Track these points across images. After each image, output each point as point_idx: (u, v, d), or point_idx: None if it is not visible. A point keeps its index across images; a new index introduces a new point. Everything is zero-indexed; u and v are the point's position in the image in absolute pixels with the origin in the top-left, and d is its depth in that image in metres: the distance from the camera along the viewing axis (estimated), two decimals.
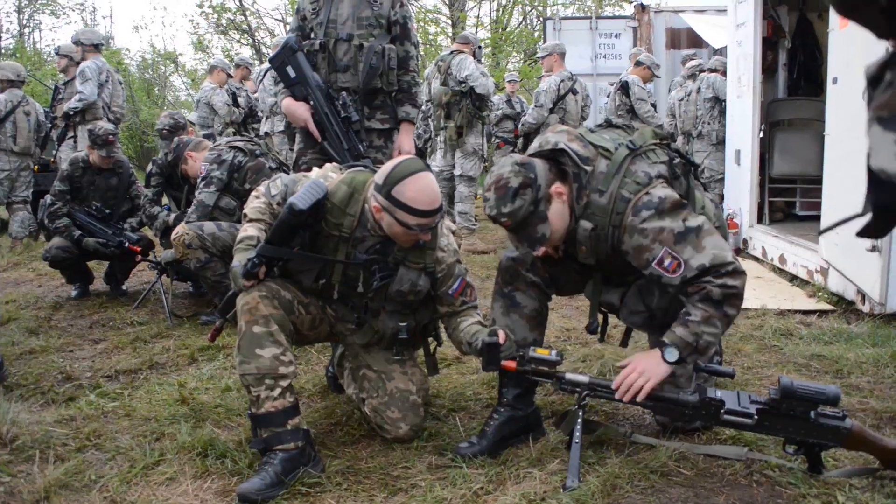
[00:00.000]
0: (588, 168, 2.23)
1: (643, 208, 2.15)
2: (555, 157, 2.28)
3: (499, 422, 2.42)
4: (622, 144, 2.26)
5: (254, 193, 2.50)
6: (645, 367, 2.16)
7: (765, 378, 3.02)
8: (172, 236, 3.97)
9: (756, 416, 2.13)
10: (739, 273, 2.13)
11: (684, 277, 2.12)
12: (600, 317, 2.55)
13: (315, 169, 2.53)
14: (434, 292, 2.49)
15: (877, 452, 2.12)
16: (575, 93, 6.96)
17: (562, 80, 6.95)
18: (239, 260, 2.29)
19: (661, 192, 2.18)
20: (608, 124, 2.43)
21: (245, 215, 2.45)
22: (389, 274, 2.40)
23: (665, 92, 9.39)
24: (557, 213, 2.23)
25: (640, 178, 2.19)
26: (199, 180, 4.13)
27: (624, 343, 2.70)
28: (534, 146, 2.34)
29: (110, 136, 4.71)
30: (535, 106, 7.04)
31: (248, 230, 2.37)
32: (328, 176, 2.44)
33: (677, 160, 2.30)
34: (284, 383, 2.24)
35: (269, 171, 4.15)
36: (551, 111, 6.92)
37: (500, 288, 2.55)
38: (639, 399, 2.17)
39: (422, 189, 2.23)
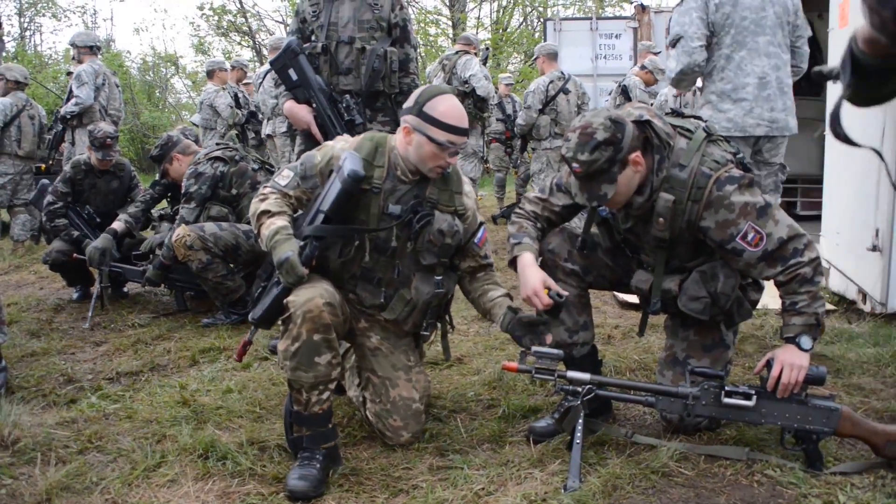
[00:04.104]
0: (669, 143, 2.28)
1: (727, 182, 2.22)
2: (641, 128, 2.30)
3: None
4: (699, 127, 2.34)
5: (257, 197, 2.43)
6: (792, 361, 2.20)
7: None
8: (173, 238, 3.97)
9: (755, 396, 2.21)
10: (812, 243, 2.24)
11: (765, 250, 2.19)
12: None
13: (326, 143, 2.52)
14: (463, 242, 2.52)
15: (868, 436, 2.18)
16: (567, 92, 6.95)
17: (550, 81, 6.94)
18: (287, 249, 2.20)
19: (739, 171, 2.26)
20: (676, 113, 2.49)
21: (261, 215, 2.34)
22: (427, 214, 2.39)
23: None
24: (627, 180, 2.25)
25: (718, 158, 2.27)
26: (181, 195, 4.20)
27: (640, 332, 2.71)
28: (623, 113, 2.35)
29: (108, 140, 4.70)
30: (524, 108, 7.09)
31: (277, 221, 2.29)
32: (337, 142, 2.48)
33: (741, 155, 2.38)
34: (332, 386, 2.30)
35: (253, 171, 4.23)
36: (542, 112, 6.92)
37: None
38: (797, 389, 2.22)
39: (452, 106, 2.32)
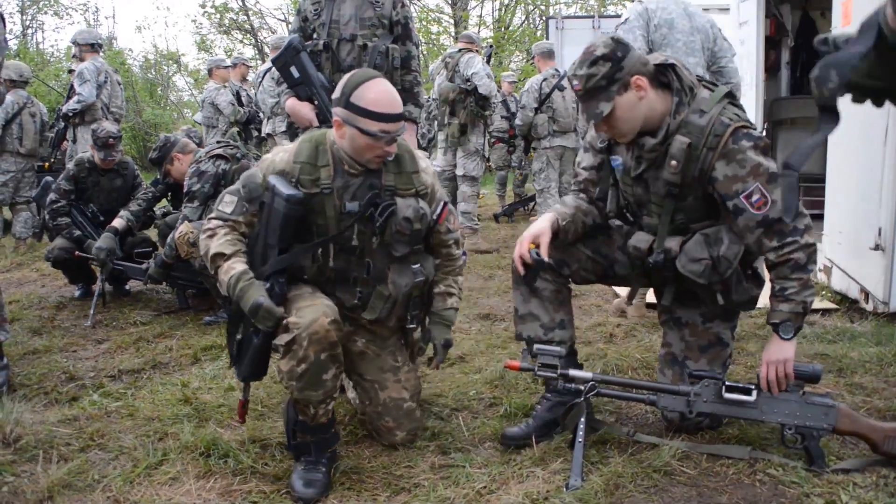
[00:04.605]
0: (692, 89, 2.28)
1: (744, 138, 2.21)
2: (661, 71, 2.32)
3: (546, 407, 2.46)
4: (724, 87, 2.33)
5: (204, 232, 2.28)
6: (776, 357, 2.23)
7: None
8: (176, 235, 3.97)
9: (755, 390, 2.23)
10: (811, 227, 2.22)
11: (766, 216, 2.17)
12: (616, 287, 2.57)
13: (265, 158, 2.38)
14: (432, 223, 2.43)
15: (866, 433, 2.19)
16: (562, 89, 6.94)
17: (544, 79, 6.94)
18: (256, 296, 2.10)
19: (757, 132, 2.24)
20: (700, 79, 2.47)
21: (215, 257, 2.21)
22: (389, 205, 2.27)
23: None
24: (628, 104, 2.25)
25: (739, 113, 2.26)
26: (183, 194, 4.20)
27: (630, 298, 2.72)
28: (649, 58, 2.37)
29: (111, 139, 4.69)
30: (520, 107, 7.11)
31: (235, 266, 2.17)
32: (276, 155, 2.33)
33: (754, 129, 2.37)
34: (336, 395, 2.29)
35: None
36: (538, 110, 6.91)
37: (517, 280, 2.58)
38: (789, 383, 2.23)
39: (381, 92, 2.18)
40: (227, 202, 2.29)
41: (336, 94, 2.22)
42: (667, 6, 3.84)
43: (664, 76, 2.31)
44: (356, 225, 2.29)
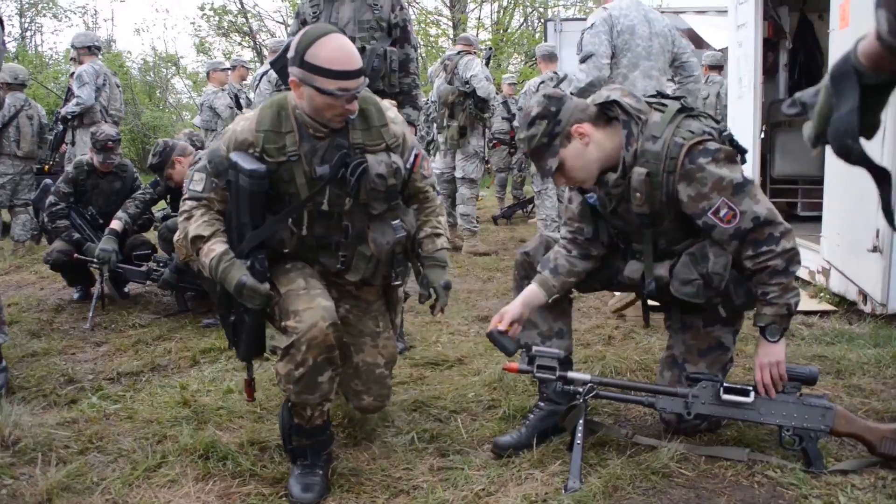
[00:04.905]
0: (641, 117, 2.27)
1: (700, 155, 2.18)
2: (605, 108, 2.33)
3: (539, 416, 2.46)
4: (676, 102, 2.32)
5: (180, 217, 2.28)
6: (767, 359, 2.23)
7: None
8: (177, 237, 3.96)
9: (752, 391, 2.23)
10: (790, 231, 2.18)
11: (738, 228, 2.15)
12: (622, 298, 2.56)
13: (227, 129, 2.31)
14: (407, 176, 2.37)
15: (863, 434, 2.20)
16: None
17: (541, 82, 6.94)
18: (239, 275, 2.11)
19: (715, 144, 2.21)
20: (661, 95, 2.47)
21: (195, 240, 2.20)
22: (361, 162, 2.19)
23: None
24: (575, 152, 2.28)
25: (693, 129, 2.23)
26: (182, 201, 4.18)
27: (645, 322, 2.72)
28: (588, 101, 2.40)
29: (110, 143, 4.69)
30: (518, 109, 7.14)
31: (215, 248, 2.16)
32: (237, 125, 2.25)
33: (727, 133, 2.33)
34: (332, 397, 2.27)
35: None
36: None
37: (518, 283, 2.62)
38: (782, 384, 2.24)
39: (337, 48, 2.07)
40: (196, 180, 2.24)
41: (290, 53, 2.12)
42: (628, 13, 4.14)
43: (611, 111, 2.32)
44: (329, 189, 2.21)
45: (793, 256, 2.17)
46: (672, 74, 4.50)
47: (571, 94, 4.08)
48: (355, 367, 2.44)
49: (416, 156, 2.38)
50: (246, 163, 2.13)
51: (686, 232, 2.32)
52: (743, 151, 2.37)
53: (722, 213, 2.16)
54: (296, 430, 2.26)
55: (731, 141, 2.34)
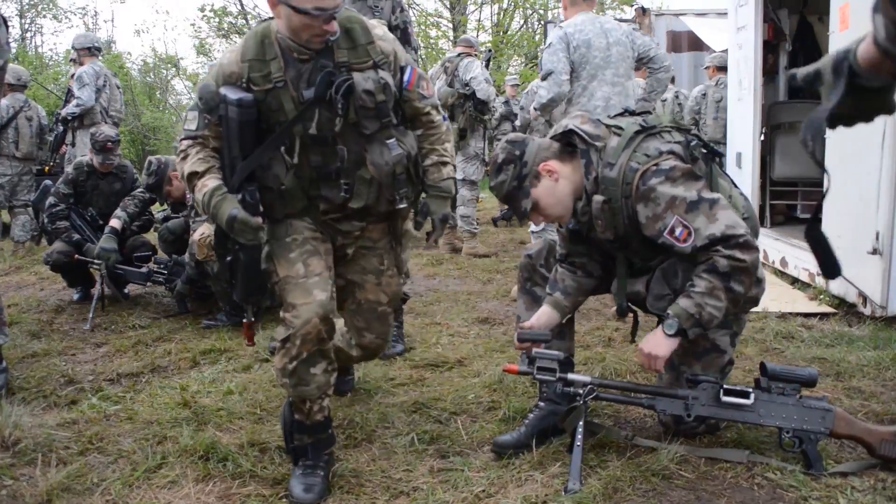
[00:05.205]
0: (598, 144, 2.29)
1: (653, 176, 2.19)
2: (566, 138, 2.37)
3: (539, 416, 2.47)
4: (635, 123, 2.32)
5: (178, 158, 2.25)
6: (648, 349, 2.23)
7: None
8: (197, 237, 3.96)
9: (753, 394, 2.23)
10: (750, 247, 2.12)
11: (694, 247, 2.13)
12: (621, 314, 2.56)
13: (214, 63, 2.33)
14: (399, 94, 2.29)
15: (863, 436, 2.20)
16: None
17: None
18: (230, 208, 2.09)
19: (671, 163, 2.21)
20: (628, 112, 2.49)
21: (190, 176, 2.19)
22: (347, 79, 2.14)
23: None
24: (548, 191, 2.33)
25: (650, 152, 2.23)
26: (189, 208, 4.25)
27: (632, 338, 2.71)
28: (550, 133, 2.45)
29: (109, 143, 4.70)
30: (519, 108, 7.17)
31: (208, 183, 2.14)
32: (223, 58, 2.24)
33: (696, 143, 2.31)
34: (331, 391, 2.29)
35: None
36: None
37: (522, 285, 2.67)
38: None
39: None
40: (190, 119, 2.23)
41: None
42: (583, 28, 4.38)
43: (571, 142, 2.34)
44: (318, 111, 2.17)
45: (739, 269, 2.10)
46: (648, 73, 4.77)
47: (535, 109, 4.41)
48: (358, 305, 2.44)
49: (411, 73, 2.30)
50: (233, 93, 2.12)
51: (654, 250, 2.32)
52: (718, 155, 2.37)
53: (677, 232, 2.15)
54: (297, 427, 2.27)
55: (706, 147, 2.33)
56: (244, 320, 2.42)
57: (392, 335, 2.54)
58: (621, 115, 2.50)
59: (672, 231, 2.15)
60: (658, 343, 2.22)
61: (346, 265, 2.43)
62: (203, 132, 2.21)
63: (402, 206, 2.33)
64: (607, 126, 2.34)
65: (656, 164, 2.20)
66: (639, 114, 2.46)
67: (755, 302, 2.43)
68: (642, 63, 4.57)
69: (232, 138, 2.14)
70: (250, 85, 2.15)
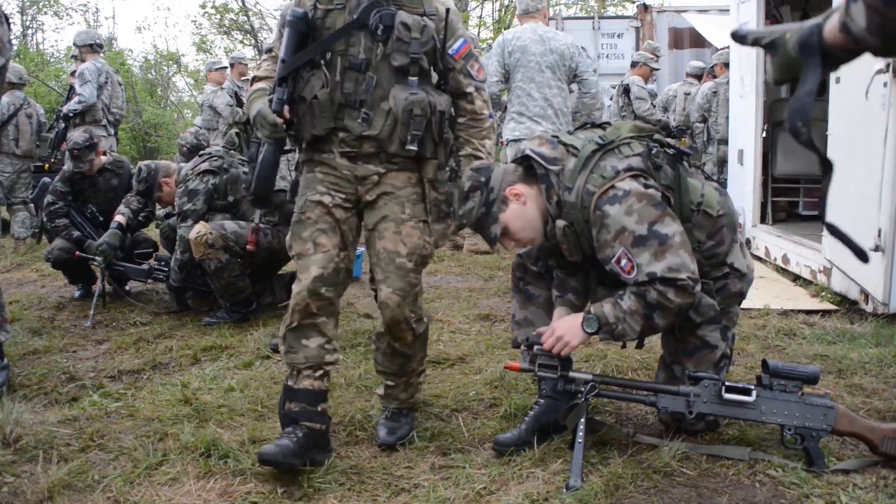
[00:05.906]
0: (555, 168, 2.27)
1: (607, 202, 2.17)
2: (526, 162, 2.36)
3: (539, 411, 2.46)
4: (591, 141, 2.28)
5: (257, 65, 2.51)
6: (562, 331, 2.24)
7: None
8: (193, 235, 3.96)
9: (755, 391, 2.22)
10: (686, 292, 2.11)
11: (636, 281, 2.13)
12: None
13: None
14: (441, 53, 2.36)
15: (865, 433, 2.19)
16: None
17: None
18: (258, 104, 2.31)
19: (627, 185, 2.17)
20: (590, 125, 2.47)
21: (253, 80, 2.48)
22: (390, 11, 2.27)
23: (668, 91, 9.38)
24: (514, 214, 2.32)
25: (606, 173, 2.21)
26: (176, 216, 4.22)
27: (639, 344, 2.67)
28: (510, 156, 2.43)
29: (75, 151, 4.65)
30: None
31: (257, 84, 2.42)
32: None
33: (657, 150, 2.28)
34: (328, 368, 2.40)
35: (244, 175, 4.18)
36: None
37: (515, 284, 2.67)
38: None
39: None
40: (276, 35, 2.47)
41: None
42: (521, 35, 4.88)
43: (531, 167, 2.33)
44: (362, 38, 2.30)
45: (665, 307, 2.11)
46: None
47: None
48: (377, 255, 2.43)
49: (462, 45, 2.40)
50: (293, 6, 2.34)
51: None
52: (685, 154, 2.35)
53: (622, 263, 2.15)
54: (286, 393, 2.37)
55: (672, 148, 2.31)
56: (252, 226, 2.55)
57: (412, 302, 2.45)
58: (582, 127, 2.48)
59: (619, 261, 2.15)
60: (575, 332, 2.21)
61: (368, 212, 2.45)
62: (276, 43, 2.43)
63: (410, 147, 2.32)
64: (565, 145, 2.32)
65: (612, 186, 2.17)
66: (599, 125, 2.44)
67: (741, 296, 2.42)
68: (575, 80, 5.07)
69: (286, 46, 2.31)
70: (317, 3, 2.33)
